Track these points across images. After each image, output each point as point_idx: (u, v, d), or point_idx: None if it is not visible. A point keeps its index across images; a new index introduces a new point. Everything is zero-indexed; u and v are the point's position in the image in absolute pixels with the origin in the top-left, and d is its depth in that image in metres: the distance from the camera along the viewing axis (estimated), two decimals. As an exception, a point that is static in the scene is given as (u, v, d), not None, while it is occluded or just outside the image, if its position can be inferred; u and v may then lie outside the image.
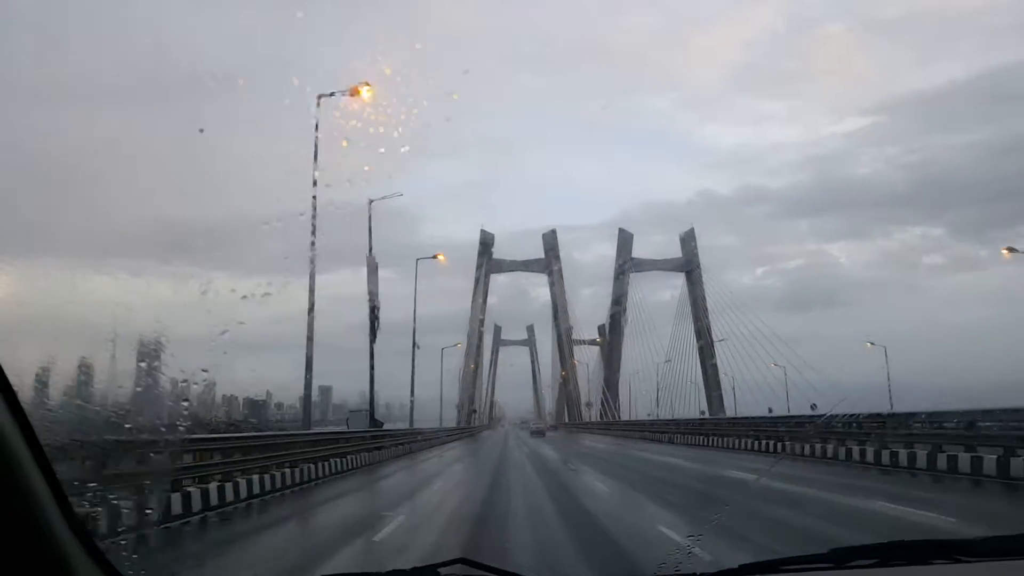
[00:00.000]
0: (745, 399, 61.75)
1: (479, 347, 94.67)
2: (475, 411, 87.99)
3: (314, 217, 18.56)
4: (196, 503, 12.09)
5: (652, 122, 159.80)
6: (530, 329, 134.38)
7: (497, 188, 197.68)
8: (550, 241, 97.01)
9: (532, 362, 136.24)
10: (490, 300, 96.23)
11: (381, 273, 33.25)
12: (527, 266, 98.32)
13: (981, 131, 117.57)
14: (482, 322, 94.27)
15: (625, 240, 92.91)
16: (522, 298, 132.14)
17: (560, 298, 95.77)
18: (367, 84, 17.03)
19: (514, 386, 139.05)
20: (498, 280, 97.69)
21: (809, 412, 36.00)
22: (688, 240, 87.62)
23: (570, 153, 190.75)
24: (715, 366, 77.64)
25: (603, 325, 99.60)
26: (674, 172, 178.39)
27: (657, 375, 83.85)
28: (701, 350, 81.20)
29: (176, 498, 11.47)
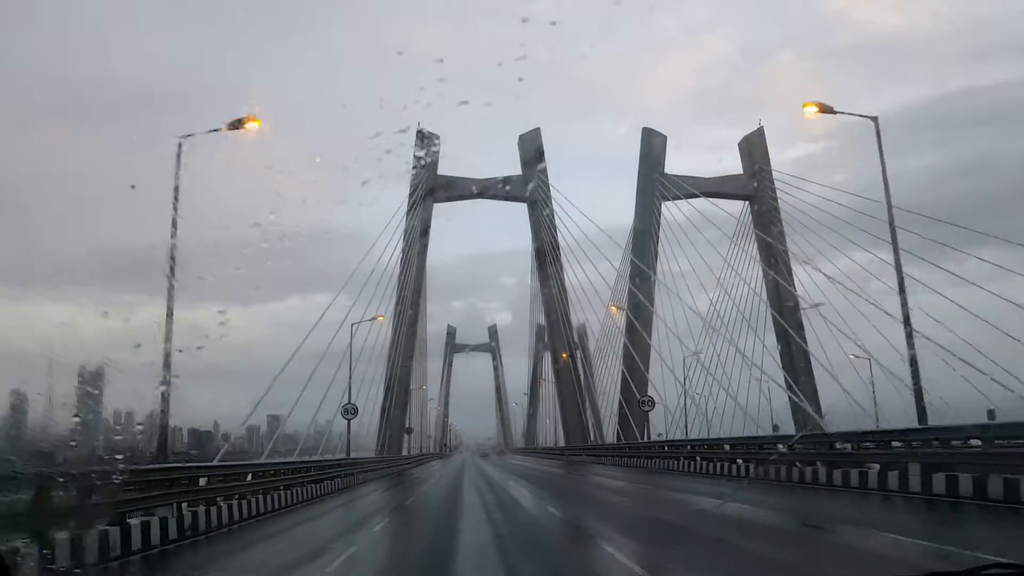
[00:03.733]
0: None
1: (414, 322, 52.55)
2: (410, 430, 57.62)
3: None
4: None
5: (609, 148, 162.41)
6: (493, 332, 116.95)
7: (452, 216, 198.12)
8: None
9: (496, 375, 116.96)
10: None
11: (340, 300, 32.18)
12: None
13: (930, 155, 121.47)
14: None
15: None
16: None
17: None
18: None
19: (475, 407, 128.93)
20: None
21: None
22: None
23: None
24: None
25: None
26: (630, 197, 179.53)
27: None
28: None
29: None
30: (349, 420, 36.32)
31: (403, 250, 48.17)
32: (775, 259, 47.62)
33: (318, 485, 25.31)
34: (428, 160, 46.91)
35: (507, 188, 53.97)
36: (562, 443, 71.14)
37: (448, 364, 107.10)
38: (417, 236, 49.97)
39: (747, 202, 52.26)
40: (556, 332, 57.05)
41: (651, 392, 45.27)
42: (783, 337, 45.91)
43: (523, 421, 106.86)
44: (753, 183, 50.80)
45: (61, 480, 10.01)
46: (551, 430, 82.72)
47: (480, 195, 53.27)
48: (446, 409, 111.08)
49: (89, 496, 10.69)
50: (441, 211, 52.25)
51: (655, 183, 52.40)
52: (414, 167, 44.63)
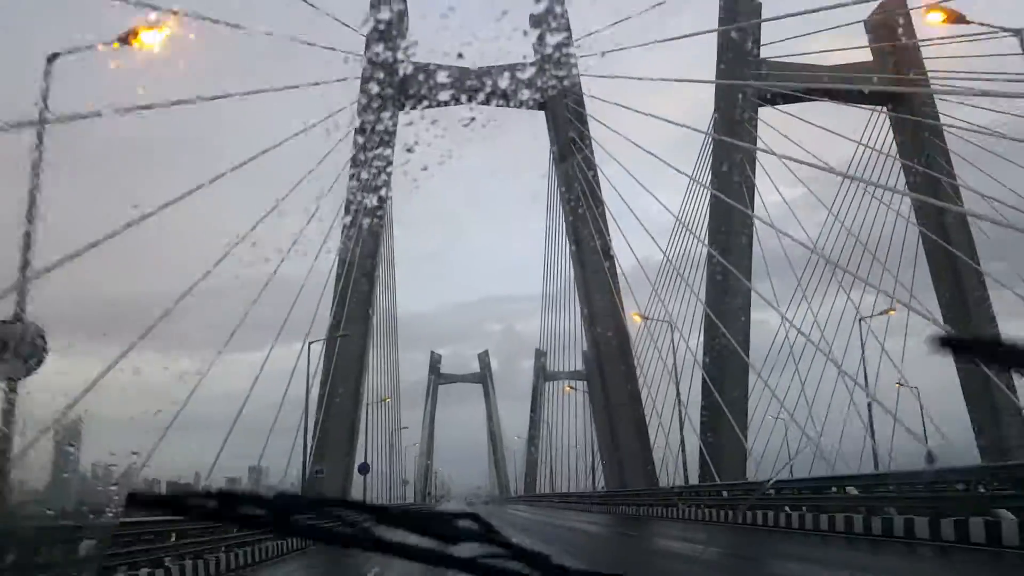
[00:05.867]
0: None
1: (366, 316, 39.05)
2: (365, 468, 41.78)
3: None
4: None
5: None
6: (484, 359, 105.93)
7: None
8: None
9: (488, 406, 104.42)
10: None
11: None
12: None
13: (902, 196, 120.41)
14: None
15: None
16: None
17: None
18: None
19: (465, 455, 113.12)
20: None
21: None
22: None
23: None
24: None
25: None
26: (615, 238, 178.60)
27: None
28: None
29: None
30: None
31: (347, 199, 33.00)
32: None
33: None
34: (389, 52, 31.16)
35: (512, 85, 34.55)
36: (577, 485, 61.10)
37: (432, 394, 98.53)
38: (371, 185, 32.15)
39: (884, 109, 37.23)
40: (600, 320, 39.60)
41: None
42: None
43: (522, 463, 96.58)
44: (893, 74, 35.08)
45: (48, 534, 9.89)
46: (568, 469, 68.48)
47: (468, 91, 31.32)
48: (430, 442, 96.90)
49: (76, 551, 10.38)
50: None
51: (744, 68, 35.73)
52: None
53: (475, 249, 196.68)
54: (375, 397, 48.76)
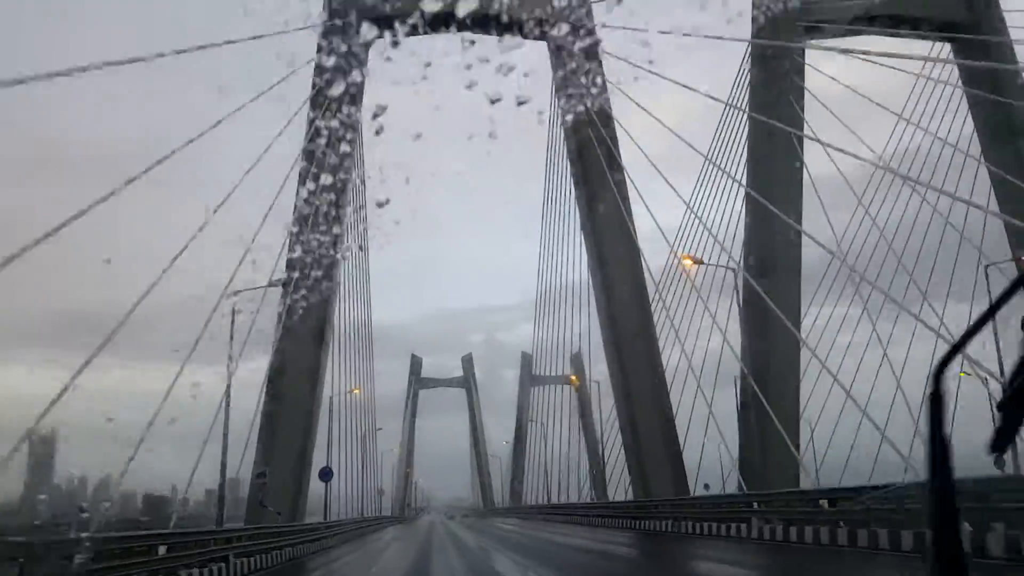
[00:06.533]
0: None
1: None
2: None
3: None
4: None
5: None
6: (468, 363, 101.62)
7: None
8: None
9: (471, 412, 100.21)
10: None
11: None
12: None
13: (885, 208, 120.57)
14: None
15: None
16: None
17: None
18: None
19: (446, 466, 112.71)
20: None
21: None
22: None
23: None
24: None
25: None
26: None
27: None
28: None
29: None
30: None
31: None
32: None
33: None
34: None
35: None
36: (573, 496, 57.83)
37: (413, 399, 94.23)
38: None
39: (949, 45, 32.20)
40: (622, 312, 34.77)
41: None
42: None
43: (507, 473, 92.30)
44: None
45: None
46: (563, 478, 64.58)
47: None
48: (410, 450, 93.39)
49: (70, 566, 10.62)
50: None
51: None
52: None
53: (462, 258, 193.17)
54: (344, 399, 44.14)
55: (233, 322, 22.60)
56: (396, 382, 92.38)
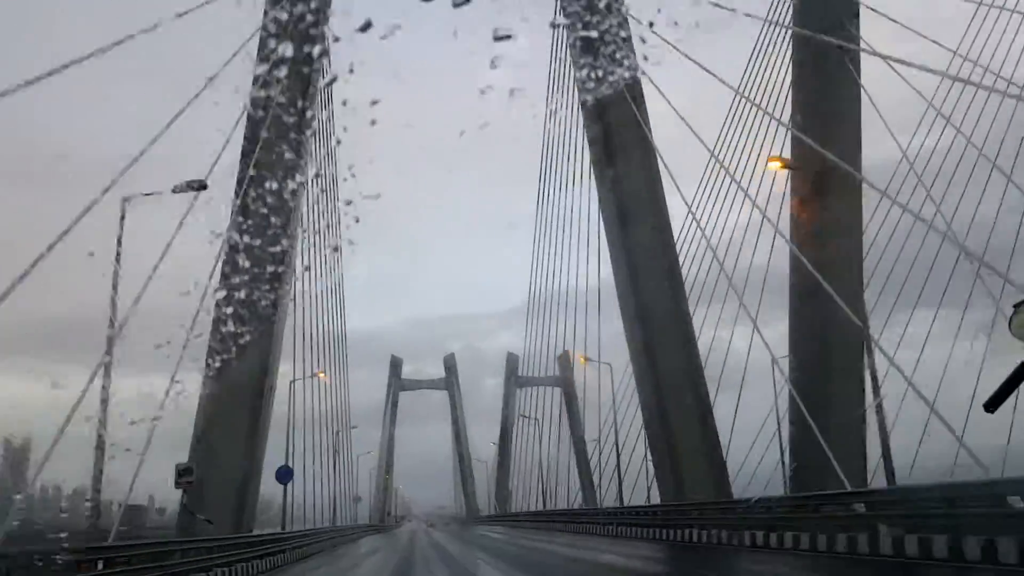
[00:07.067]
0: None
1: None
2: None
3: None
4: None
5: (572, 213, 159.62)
6: (451, 363, 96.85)
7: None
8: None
9: (454, 415, 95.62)
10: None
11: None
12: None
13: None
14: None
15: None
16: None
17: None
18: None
19: (428, 475, 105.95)
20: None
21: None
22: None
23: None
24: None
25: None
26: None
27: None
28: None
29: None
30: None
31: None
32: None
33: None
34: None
35: None
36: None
37: (393, 401, 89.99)
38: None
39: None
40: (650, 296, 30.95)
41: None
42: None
43: (492, 479, 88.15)
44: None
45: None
46: (558, 483, 60.67)
47: None
48: (390, 456, 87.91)
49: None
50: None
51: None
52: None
53: (438, 266, 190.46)
54: (312, 388, 38.50)
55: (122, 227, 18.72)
56: (374, 391, 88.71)
